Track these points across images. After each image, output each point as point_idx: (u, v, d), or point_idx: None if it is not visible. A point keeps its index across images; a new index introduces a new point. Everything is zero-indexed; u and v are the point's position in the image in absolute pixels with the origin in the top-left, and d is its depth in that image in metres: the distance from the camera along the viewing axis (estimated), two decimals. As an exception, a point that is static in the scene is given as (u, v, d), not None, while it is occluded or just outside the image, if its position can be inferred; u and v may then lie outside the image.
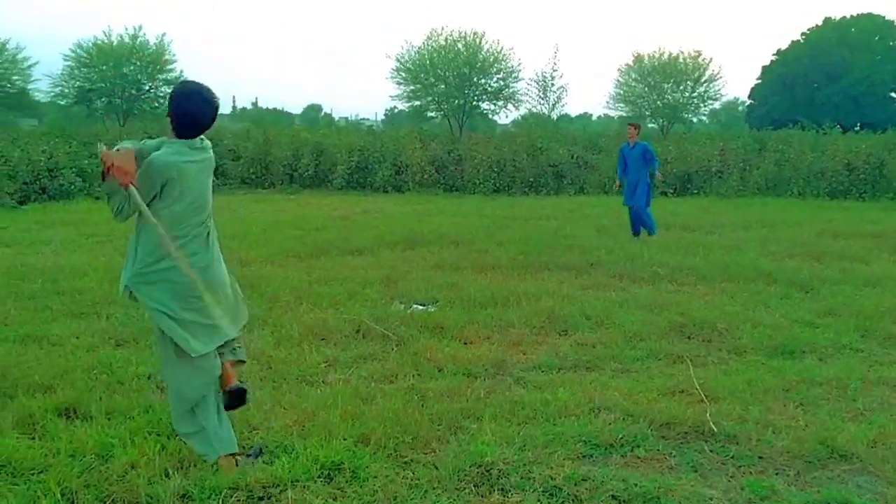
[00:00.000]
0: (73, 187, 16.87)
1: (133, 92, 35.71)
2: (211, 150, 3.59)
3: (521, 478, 3.60)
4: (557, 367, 5.38)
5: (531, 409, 4.47)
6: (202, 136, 3.51)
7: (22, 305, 6.79)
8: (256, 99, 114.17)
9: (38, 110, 45.05)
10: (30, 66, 37.70)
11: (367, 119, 64.18)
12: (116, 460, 3.61)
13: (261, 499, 3.40)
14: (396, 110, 57.07)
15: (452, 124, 35.66)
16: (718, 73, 38.88)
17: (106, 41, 36.02)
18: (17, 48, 36.49)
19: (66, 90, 36.78)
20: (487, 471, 3.63)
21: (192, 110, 3.42)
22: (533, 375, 5.21)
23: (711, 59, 38.51)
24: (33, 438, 3.94)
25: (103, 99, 36.05)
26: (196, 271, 3.40)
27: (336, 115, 65.96)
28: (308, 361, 5.36)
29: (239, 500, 3.35)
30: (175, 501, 3.34)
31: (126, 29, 37.80)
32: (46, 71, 48.59)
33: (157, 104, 36.72)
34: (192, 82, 3.48)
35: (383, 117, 65.88)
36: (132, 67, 35.73)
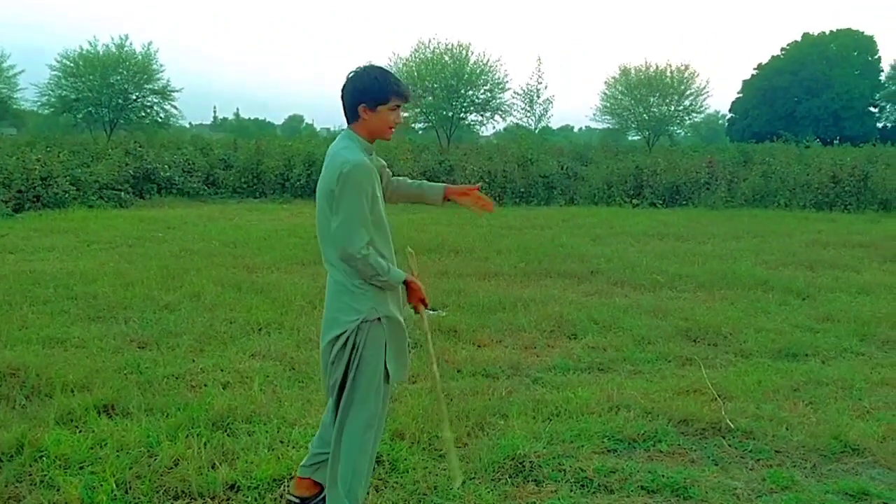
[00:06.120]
0: (67, 195, 16.81)
1: (120, 101, 35.60)
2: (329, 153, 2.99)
3: (553, 470, 3.76)
4: (572, 369, 5.54)
5: (553, 406, 4.63)
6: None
7: (38, 310, 6.84)
8: (238, 109, 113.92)
9: (18, 119, 44.86)
10: (15, 75, 37.65)
11: (348, 130, 64.26)
12: (163, 453, 3.72)
13: (306, 490, 3.52)
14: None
15: (441, 135, 35.98)
16: (705, 88, 39.57)
17: (92, 51, 35.99)
18: (1, 57, 36.44)
19: (52, 99, 36.63)
20: (520, 463, 3.79)
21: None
22: (550, 376, 5.37)
23: (698, 73, 39.22)
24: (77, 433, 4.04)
25: (90, 108, 35.89)
26: None
27: (318, 126, 66.09)
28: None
29: (285, 490, 3.48)
30: (224, 491, 3.47)
31: (112, 38, 37.72)
32: (33, 80, 48.40)
33: (143, 114, 36.66)
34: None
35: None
36: (118, 77, 35.65)
